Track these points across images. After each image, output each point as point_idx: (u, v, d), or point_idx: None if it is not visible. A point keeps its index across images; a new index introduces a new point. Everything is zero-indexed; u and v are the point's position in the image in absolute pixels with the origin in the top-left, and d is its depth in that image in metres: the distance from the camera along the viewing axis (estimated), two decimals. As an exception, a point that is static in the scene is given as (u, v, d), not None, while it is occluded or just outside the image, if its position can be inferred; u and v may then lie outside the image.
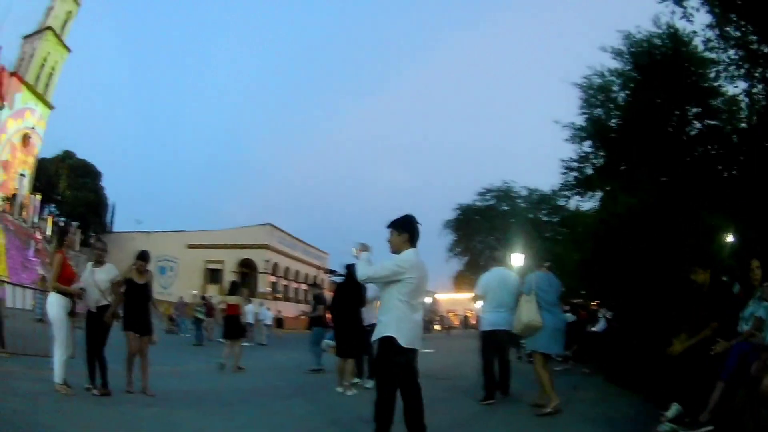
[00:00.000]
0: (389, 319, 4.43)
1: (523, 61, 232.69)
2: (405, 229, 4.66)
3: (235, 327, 12.46)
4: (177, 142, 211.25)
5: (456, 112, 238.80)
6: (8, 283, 15.78)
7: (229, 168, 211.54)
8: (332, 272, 10.27)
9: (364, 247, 4.77)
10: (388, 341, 4.36)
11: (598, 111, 17.28)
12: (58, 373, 6.75)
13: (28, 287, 14.11)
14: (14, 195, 42.39)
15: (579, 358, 11.04)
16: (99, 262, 7.52)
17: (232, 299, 12.85)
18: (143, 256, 8.01)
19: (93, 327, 7.24)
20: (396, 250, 4.64)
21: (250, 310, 21.18)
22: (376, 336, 4.49)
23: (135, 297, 7.69)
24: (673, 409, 5.77)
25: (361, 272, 4.59)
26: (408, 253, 4.57)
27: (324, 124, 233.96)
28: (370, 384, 9.31)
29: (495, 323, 7.81)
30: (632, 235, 10.56)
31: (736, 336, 5.70)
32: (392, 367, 4.39)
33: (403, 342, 4.32)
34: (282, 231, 55.38)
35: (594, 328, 11.31)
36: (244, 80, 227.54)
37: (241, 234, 51.96)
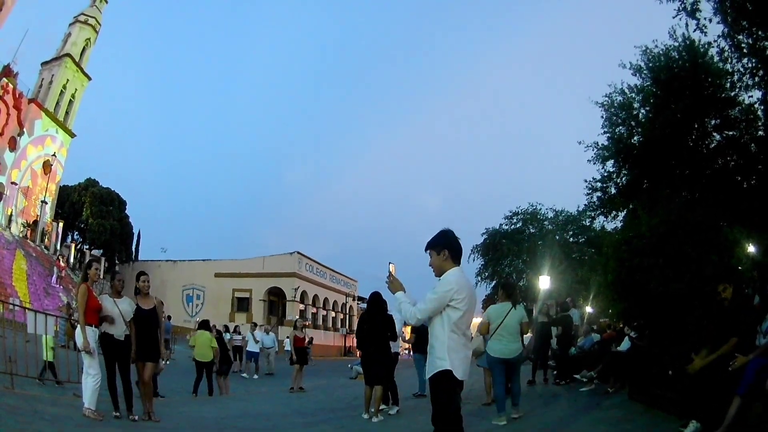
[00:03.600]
0: (442, 351, 4.02)
1: (548, 83, 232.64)
2: (443, 246, 4.23)
3: (301, 355, 14.89)
4: (204, 170, 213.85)
5: (484, 137, 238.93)
6: (30, 309, 16.10)
7: (259, 196, 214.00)
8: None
9: (394, 282, 4.36)
10: (447, 375, 3.97)
11: (621, 129, 17.25)
12: (89, 399, 6.92)
13: (50, 314, 14.31)
14: (36, 221, 43.04)
15: (604, 378, 10.93)
16: (118, 293, 7.69)
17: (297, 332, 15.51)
18: (137, 276, 8.06)
19: (117, 355, 7.38)
20: (439, 272, 4.23)
21: (253, 338, 21.33)
22: (431, 371, 4.06)
23: (142, 324, 7.68)
24: (692, 427, 5.74)
25: (410, 316, 4.15)
26: (451, 273, 4.16)
27: (354, 151, 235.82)
28: (394, 410, 9.39)
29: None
30: (655, 256, 10.51)
31: (754, 350, 5.67)
32: (455, 403, 4.04)
33: (459, 375, 3.98)
34: (310, 259, 55.46)
35: (618, 348, 11.21)
36: (273, 106, 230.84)
37: (269, 262, 52.11)
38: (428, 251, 4.31)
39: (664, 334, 9.40)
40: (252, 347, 21.16)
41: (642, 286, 10.52)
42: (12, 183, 41.37)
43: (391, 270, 4.47)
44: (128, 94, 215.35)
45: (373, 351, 8.97)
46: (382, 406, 9.21)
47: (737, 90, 14.37)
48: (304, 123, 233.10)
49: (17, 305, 17.09)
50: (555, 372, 13.40)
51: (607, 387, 10.49)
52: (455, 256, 4.24)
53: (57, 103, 46.97)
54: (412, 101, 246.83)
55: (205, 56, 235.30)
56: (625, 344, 11.23)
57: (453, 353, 3.98)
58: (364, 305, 10.07)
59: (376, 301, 9.36)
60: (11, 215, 40.36)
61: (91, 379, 6.93)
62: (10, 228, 38.33)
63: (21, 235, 38.98)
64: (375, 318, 9.15)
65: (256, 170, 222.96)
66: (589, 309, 19.16)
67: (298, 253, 53.04)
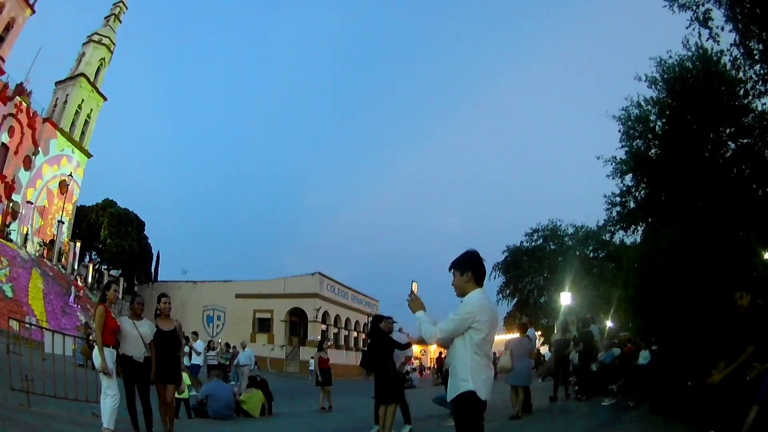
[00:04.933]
0: (465, 372, 3.98)
1: (566, 98, 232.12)
2: (467, 268, 4.19)
3: (326, 376, 15.41)
4: (223, 191, 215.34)
5: (502, 154, 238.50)
6: (47, 329, 16.22)
7: (279, 217, 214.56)
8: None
9: (416, 301, 4.33)
10: (471, 397, 3.93)
11: (638, 142, 17.18)
12: (108, 419, 6.90)
13: (68, 334, 14.44)
14: (52, 241, 43.18)
15: (625, 392, 10.90)
16: (137, 315, 7.75)
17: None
18: (158, 298, 8.06)
19: (137, 376, 7.44)
20: (461, 293, 4.18)
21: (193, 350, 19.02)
22: (454, 392, 4.04)
23: (162, 345, 7.66)
24: (711, 436, 5.73)
25: (429, 335, 4.09)
26: (473, 295, 4.11)
27: (373, 171, 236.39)
28: (406, 429, 9.43)
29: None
30: (675, 269, 10.50)
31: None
32: (479, 424, 3.99)
33: (483, 395, 3.94)
34: (332, 279, 55.49)
35: (639, 361, 11.17)
36: (292, 125, 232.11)
37: (290, 283, 52.20)
38: (452, 271, 4.28)
39: (682, 346, 9.37)
40: (195, 359, 18.30)
41: (662, 299, 10.52)
42: (28, 202, 41.67)
43: (413, 288, 4.46)
44: (145, 115, 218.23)
45: (381, 371, 9.05)
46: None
47: (750, 97, 14.31)
48: (323, 144, 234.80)
49: (34, 324, 17.23)
50: (576, 387, 13.37)
51: (628, 401, 10.47)
52: (478, 278, 4.20)
53: (72, 123, 47.45)
54: (429, 120, 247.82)
55: (221, 77, 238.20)
56: (644, 358, 11.20)
57: (476, 374, 3.95)
58: (393, 323, 10.17)
59: (374, 324, 9.54)
60: (27, 234, 40.74)
61: (110, 399, 6.91)
62: (26, 247, 38.57)
63: (37, 254, 39.07)
64: (378, 340, 9.26)
65: (275, 191, 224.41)
66: (609, 323, 19.06)
67: (320, 273, 53.09)
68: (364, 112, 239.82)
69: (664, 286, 10.67)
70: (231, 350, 22.34)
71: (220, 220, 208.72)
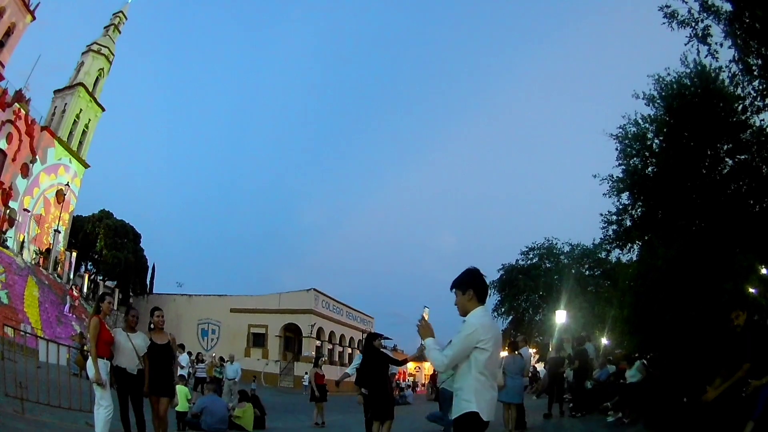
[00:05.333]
0: (469, 393, 3.94)
1: (562, 118, 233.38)
2: (468, 286, 4.19)
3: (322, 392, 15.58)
4: (219, 206, 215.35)
5: (499, 172, 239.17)
6: (42, 338, 16.13)
7: (274, 233, 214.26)
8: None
9: (426, 328, 4.26)
10: (473, 417, 3.90)
11: (635, 161, 17.20)
12: (101, 430, 6.95)
13: (62, 344, 14.33)
14: (48, 250, 43.20)
15: (620, 409, 10.91)
16: (132, 328, 7.80)
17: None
18: (151, 311, 8.22)
19: (130, 388, 7.46)
20: (464, 312, 4.17)
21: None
22: (457, 411, 4.01)
23: (156, 358, 7.73)
24: (708, 452, 5.72)
25: (439, 364, 4.07)
26: (474, 315, 4.10)
27: (368, 190, 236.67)
28: None
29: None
30: (671, 288, 10.53)
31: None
32: None
33: (485, 416, 3.91)
34: (326, 296, 55.39)
35: (629, 378, 11.22)
36: (288, 142, 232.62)
37: (285, 299, 52.11)
38: (453, 290, 4.27)
39: (679, 363, 9.37)
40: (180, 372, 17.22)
41: (657, 317, 10.54)
42: (24, 210, 41.54)
43: (424, 315, 4.43)
44: (143, 126, 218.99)
45: (376, 388, 9.08)
46: None
47: (749, 113, 14.37)
48: (319, 159, 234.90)
49: (29, 332, 17.12)
50: (571, 405, 13.37)
51: (623, 418, 10.49)
52: (481, 295, 4.20)
53: (70, 132, 47.33)
54: (426, 139, 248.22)
55: (219, 91, 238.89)
56: (632, 374, 11.24)
57: (479, 395, 3.91)
58: (383, 341, 10.25)
59: (368, 342, 9.60)
60: (23, 242, 40.56)
61: (103, 410, 6.99)
62: (22, 254, 38.39)
63: (33, 262, 38.93)
64: (372, 358, 9.30)
65: (271, 206, 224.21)
66: (605, 341, 19.05)
67: (315, 290, 53.03)
68: (361, 130, 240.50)
69: (660, 304, 10.69)
70: (225, 363, 22.14)
71: (216, 234, 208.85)
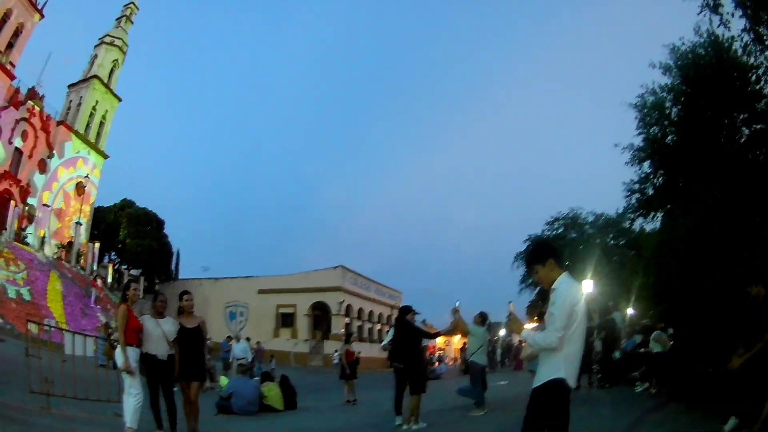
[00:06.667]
0: (557, 357, 3.81)
1: (583, 89, 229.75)
2: (546, 257, 4.10)
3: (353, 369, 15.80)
4: (242, 188, 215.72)
5: (522, 145, 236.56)
6: (67, 330, 16.36)
7: (299, 212, 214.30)
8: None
9: (516, 322, 4.38)
10: (560, 385, 3.77)
11: (655, 129, 17.09)
12: (130, 418, 6.97)
13: (89, 335, 14.58)
14: (70, 243, 43.62)
15: (647, 378, 11.00)
16: (160, 314, 7.81)
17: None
18: (180, 295, 8.18)
19: (160, 374, 7.52)
20: (549, 283, 4.04)
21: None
22: (543, 378, 3.85)
23: (186, 342, 7.71)
24: (731, 423, 5.83)
25: (552, 340, 3.80)
26: (563, 281, 3.97)
27: (394, 166, 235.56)
28: (423, 425, 9.49)
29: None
30: (693, 256, 10.54)
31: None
32: (566, 413, 3.80)
33: (572, 383, 3.80)
34: (354, 272, 55.38)
35: (658, 349, 11.24)
36: (311, 120, 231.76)
37: (312, 277, 52.17)
38: (532, 267, 4.22)
39: (702, 333, 9.42)
40: None
41: (679, 286, 10.58)
42: (44, 205, 42.09)
43: (510, 309, 4.45)
44: (161, 114, 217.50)
45: (412, 361, 9.26)
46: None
47: (762, 83, 14.20)
48: (344, 139, 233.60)
49: (53, 326, 17.39)
50: (599, 376, 13.46)
51: (650, 388, 10.57)
52: (559, 260, 4.11)
53: (87, 125, 47.80)
54: (449, 114, 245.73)
55: (237, 73, 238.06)
56: (652, 344, 11.27)
57: (569, 363, 3.83)
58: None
59: (400, 316, 9.77)
60: (44, 237, 41.16)
61: (132, 398, 7.01)
62: (43, 250, 39.00)
63: (55, 256, 39.89)
64: (404, 332, 9.47)
65: (295, 186, 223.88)
66: (630, 311, 19.07)
67: (343, 267, 53.08)
68: (383, 112, 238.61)
69: (682, 273, 10.71)
70: (231, 342, 22.25)
71: (239, 216, 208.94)
